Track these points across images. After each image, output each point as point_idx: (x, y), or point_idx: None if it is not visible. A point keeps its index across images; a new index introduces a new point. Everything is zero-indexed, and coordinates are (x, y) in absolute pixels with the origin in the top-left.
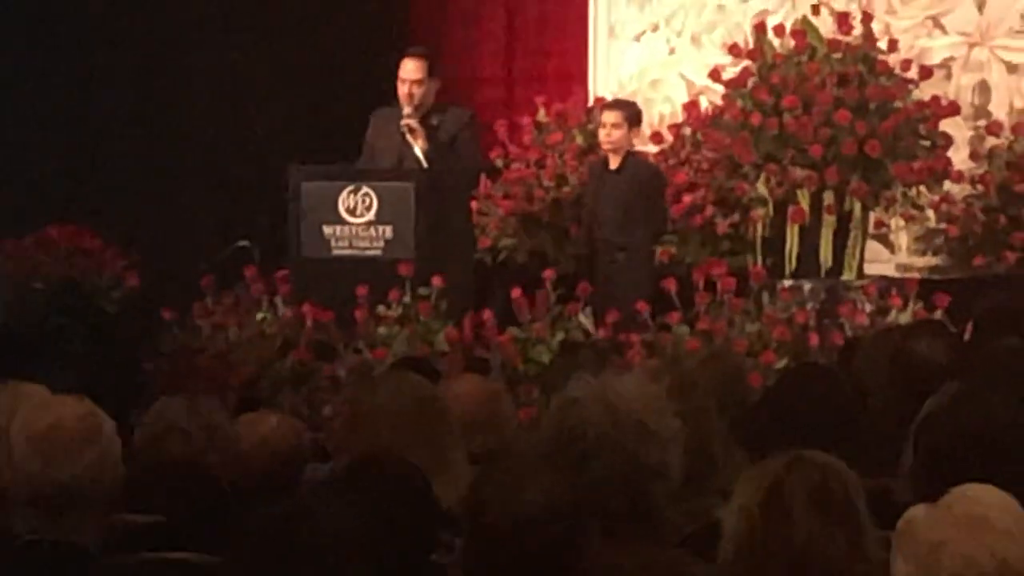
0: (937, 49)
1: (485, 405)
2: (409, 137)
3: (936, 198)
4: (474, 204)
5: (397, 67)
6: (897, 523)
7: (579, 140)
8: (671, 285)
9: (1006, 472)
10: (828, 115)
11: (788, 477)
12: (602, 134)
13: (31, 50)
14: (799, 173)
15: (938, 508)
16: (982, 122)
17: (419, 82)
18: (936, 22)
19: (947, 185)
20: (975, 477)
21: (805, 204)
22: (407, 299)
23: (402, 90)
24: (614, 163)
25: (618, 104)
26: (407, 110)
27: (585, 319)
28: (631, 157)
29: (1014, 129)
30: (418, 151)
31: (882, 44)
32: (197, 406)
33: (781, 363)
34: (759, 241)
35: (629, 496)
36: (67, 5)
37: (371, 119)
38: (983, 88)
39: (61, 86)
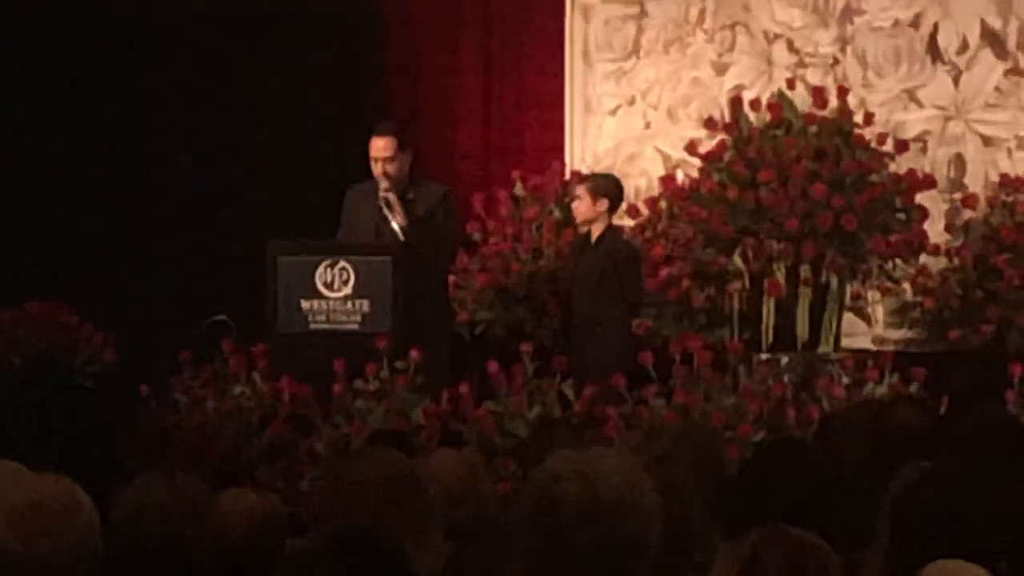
0: (913, 122)
1: (462, 479)
2: (386, 211)
3: (912, 271)
4: (451, 278)
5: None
6: None
7: (556, 214)
8: (647, 358)
9: (981, 547)
10: (804, 188)
11: (764, 551)
12: (572, 206)
13: (3, 125)
14: (775, 246)
15: None
16: (958, 195)
17: (390, 159)
18: (912, 96)
19: (923, 258)
20: (951, 552)
21: (781, 277)
22: (384, 373)
23: (375, 169)
24: (593, 237)
25: (586, 177)
26: (384, 184)
27: (567, 390)
28: (610, 232)
29: (990, 202)
30: (395, 225)
31: (858, 118)
32: (176, 482)
33: (758, 436)
34: (736, 314)
35: (607, 571)
36: (39, 79)
37: (346, 195)
38: (959, 161)
39: (35, 163)
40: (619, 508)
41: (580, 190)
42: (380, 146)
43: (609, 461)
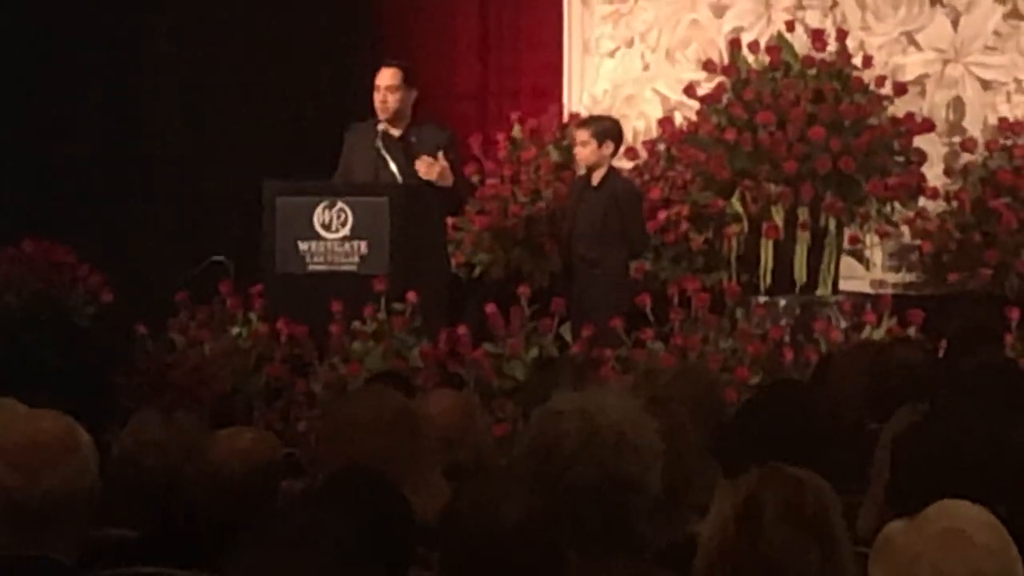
0: (911, 65)
1: (460, 420)
2: (384, 152)
3: (910, 214)
4: (449, 219)
5: (373, 80)
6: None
7: (554, 156)
8: (645, 301)
9: (982, 487)
10: (802, 131)
11: (761, 491)
12: (575, 151)
13: None
14: (773, 189)
15: (916, 523)
16: (956, 138)
17: (393, 88)
18: (911, 39)
19: (921, 201)
20: (951, 493)
21: (779, 220)
22: (382, 314)
23: (377, 98)
24: (595, 180)
25: (587, 121)
26: (382, 120)
27: (565, 332)
28: (611, 174)
29: (988, 145)
30: (393, 166)
31: (857, 60)
32: (174, 420)
33: (755, 379)
34: (734, 257)
35: (607, 510)
36: (34, 18)
37: (346, 134)
38: (957, 104)
39: (32, 101)
40: (620, 446)
41: (584, 135)
42: (383, 75)
43: (611, 400)
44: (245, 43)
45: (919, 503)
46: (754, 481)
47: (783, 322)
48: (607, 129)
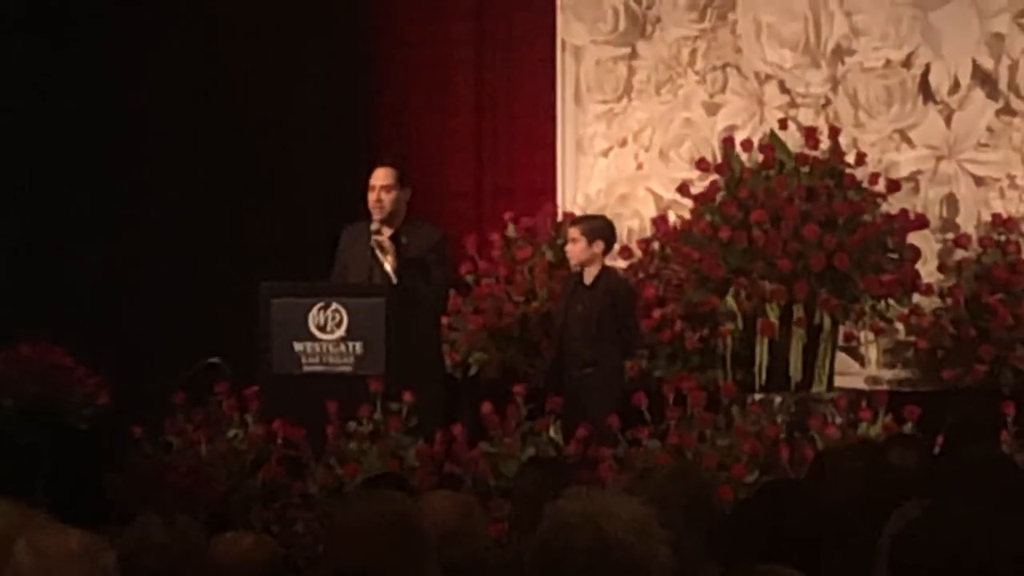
0: (905, 162)
1: (459, 519)
2: (379, 253)
3: (905, 311)
4: (444, 319)
5: (367, 181)
6: None
7: (548, 255)
8: (641, 399)
9: None
10: (796, 229)
11: None
12: (566, 248)
13: None
14: (768, 287)
15: None
16: (950, 235)
17: (387, 188)
18: (904, 136)
19: (916, 298)
20: None
21: (774, 317)
22: (378, 415)
23: (371, 197)
24: (588, 278)
25: (578, 219)
26: (376, 220)
27: (555, 433)
28: (605, 273)
29: (982, 242)
30: (388, 267)
31: (850, 158)
32: (175, 524)
33: (752, 477)
34: (729, 355)
35: None
36: (28, 110)
37: (342, 234)
38: (951, 201)
39: (28, 202)
40: (631, 567)
41: (574, 232)
42: (379, 174)
43: (623, 511)
44: (241, 144)
45: None
46: None
47: (779, 419)
48: (597, 228)
